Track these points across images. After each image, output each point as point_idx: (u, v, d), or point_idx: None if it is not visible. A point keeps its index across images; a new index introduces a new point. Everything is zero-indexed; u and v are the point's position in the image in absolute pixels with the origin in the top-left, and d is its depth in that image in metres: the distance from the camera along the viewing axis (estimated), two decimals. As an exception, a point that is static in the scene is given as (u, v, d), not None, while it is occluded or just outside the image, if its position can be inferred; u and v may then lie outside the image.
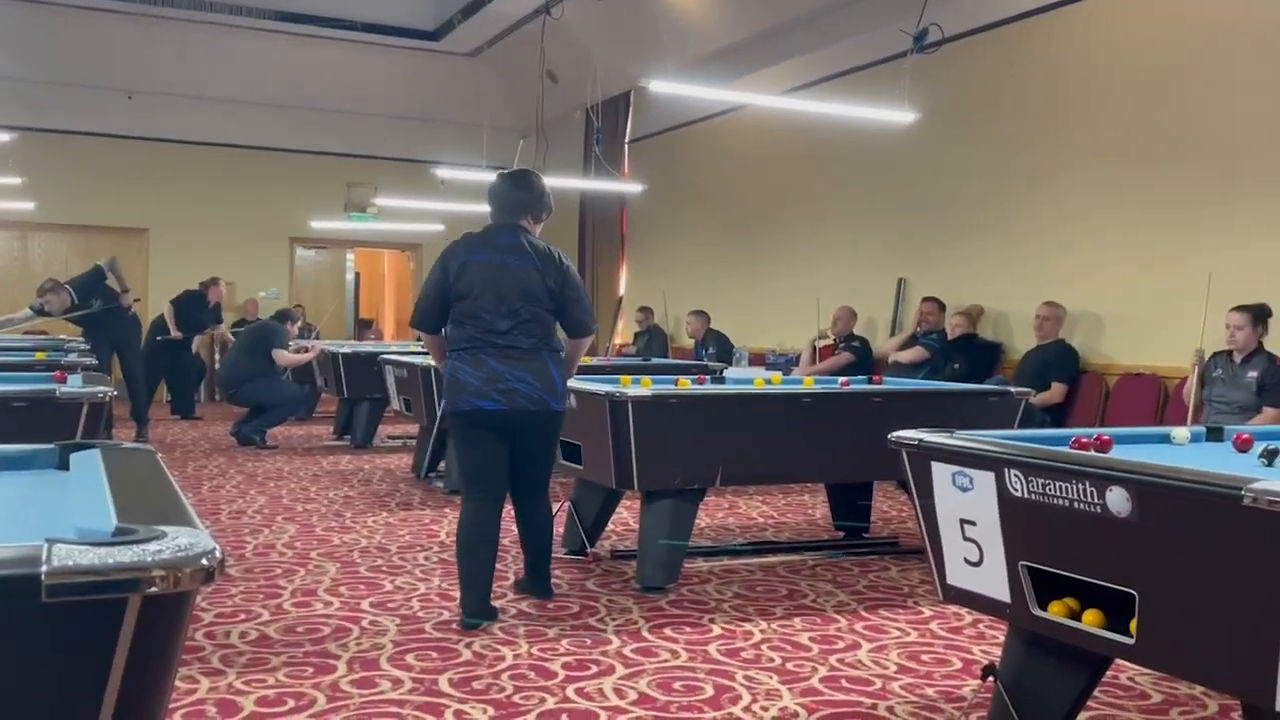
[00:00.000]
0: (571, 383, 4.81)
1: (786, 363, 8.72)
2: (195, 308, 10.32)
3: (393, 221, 13.04)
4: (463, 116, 12.74)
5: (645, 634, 3.73)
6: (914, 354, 7.60)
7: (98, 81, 11.56)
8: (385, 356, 7.54)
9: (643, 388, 4.79)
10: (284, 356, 8.71)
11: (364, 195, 12.90)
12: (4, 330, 8.66)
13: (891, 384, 5.66)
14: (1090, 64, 7.03)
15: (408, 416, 7.39)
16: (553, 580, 4.21)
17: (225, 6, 10.76)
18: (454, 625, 3.78)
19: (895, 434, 2.80)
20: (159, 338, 9.97)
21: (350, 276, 15.20)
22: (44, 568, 1.11)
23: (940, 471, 2.68)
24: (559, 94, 11.10)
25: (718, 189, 11.04)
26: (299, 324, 9.26)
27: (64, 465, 2.08)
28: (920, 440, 2.71)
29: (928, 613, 4.07)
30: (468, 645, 3.56)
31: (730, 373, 7.23)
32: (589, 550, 4.88)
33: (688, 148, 11.50)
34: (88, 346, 7.91)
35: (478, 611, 3.78)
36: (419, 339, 12.56)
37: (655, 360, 8.60)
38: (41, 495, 1.81)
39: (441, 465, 6.92)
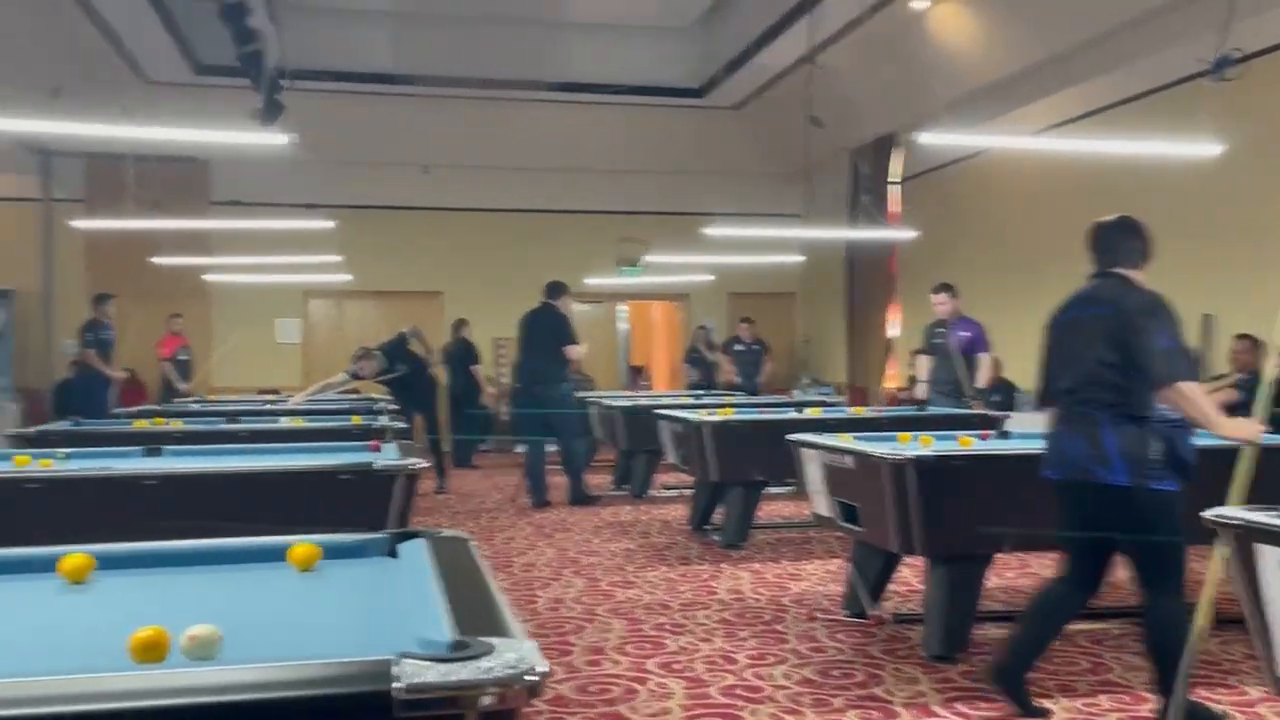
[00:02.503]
0: (844, 441, 4.75)
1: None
2: (470, 352, 11.73)
3: (662, 274, 13.42)
4: (728, 168, 13.02)
5: (936, 708, 3.62)
6: (1223, 397, 6.95)
7: (396, 158, 12.67)
8: (660, 411, 7.74)
9: (923, 446, 4.67)
10: (575, 353, 8.62)
11: (635, 251, 13.38)
12: (326, 392, 9.60)
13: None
14: None
15: (683, 470, 7.54)
16: (835, 645, 4.13)
17: (506, 83, 11.54)
18: (737, 690, 3.81)
19: (1213, 512, 2.59)
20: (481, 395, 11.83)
21: (622, 328, 15.73)
22: (396, 684, 1.23)
23: (1268, 556, 2.45)
24: (823, 139, 11.09)
25: (994, 224, 10.63)
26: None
27: (393, 553, 2.29)
28: (1244, 521, 2.49)
29: (1254, 694, 3.70)
30: (753, 713, 3.57)
31: (1015, 420, 6.90)
32: (871, 613, 4.79)
33: (961, 183, 11.16)
34: (395, 407, 8.64)
35: (996, 678, 3.58)
36: (734, 383, 12.58)
37: (931, 410, 8.08)
38: (379, 592, 1.99)
39: (717, 518, 7.01)
